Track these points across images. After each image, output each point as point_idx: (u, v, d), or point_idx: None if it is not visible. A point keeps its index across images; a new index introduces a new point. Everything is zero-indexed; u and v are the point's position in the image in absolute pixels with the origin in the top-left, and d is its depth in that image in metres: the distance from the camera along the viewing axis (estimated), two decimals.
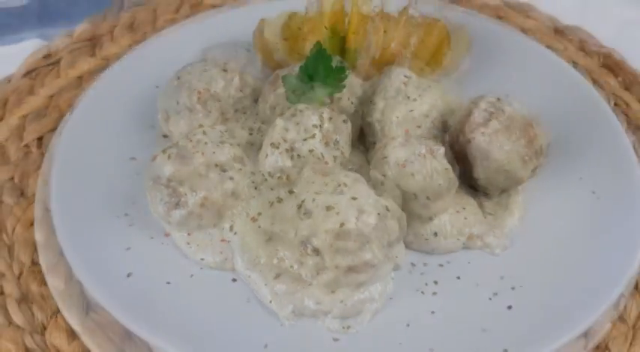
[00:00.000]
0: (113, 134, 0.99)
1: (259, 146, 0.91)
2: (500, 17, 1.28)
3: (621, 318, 0.85)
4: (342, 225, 0.77)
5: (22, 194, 0.97)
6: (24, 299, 0.85)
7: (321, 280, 0.80)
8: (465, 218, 0.88)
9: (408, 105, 0.91)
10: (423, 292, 0.83)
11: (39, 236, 0.89)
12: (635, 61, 1.20)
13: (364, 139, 0.97)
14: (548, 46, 1.18)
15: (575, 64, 1.18)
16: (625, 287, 0.82)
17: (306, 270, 0.81)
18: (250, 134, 0.96)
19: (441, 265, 0.86)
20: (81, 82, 1.13)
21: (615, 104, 1.12)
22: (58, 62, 1.16)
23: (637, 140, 1.05)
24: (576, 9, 1.34)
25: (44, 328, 0.83)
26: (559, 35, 1.26)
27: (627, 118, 1.10)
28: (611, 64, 1.19)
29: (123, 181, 0.93)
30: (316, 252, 0.78)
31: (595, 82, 1.16)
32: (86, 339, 0.79)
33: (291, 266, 0.82)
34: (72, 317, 0.80)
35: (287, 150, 0.86)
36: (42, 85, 1.12)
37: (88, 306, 0.81)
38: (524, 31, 1.24)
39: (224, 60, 0.99)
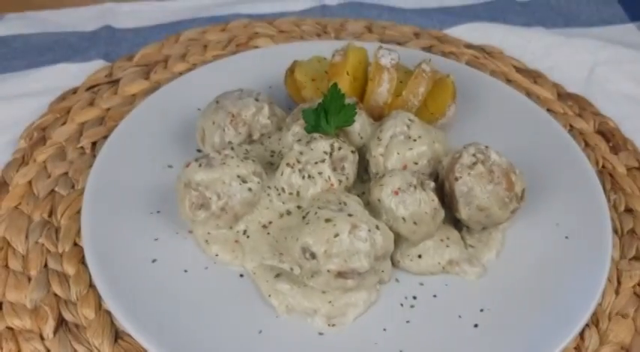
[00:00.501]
0: (155, 144, 1.15)
1: (277, 166, 1.06)
2: (509, 81, 1.42)
3: (578, 349, 0.95)
4: (336, 235, 0.90)
5: (73, 187, 1.13)
6: (64, 275, 1.00)
7: (314, 282, 0.93)
8: (447, 246, 1.00)
9: (409, 144, 1.05)
10: (402, 304, 0.95)
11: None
12: (627, 130, 1.32)
13: (367, 173, 1.11)
14: (549, 110, 1.33)
15: (571, 127, 1.31)
16: (586, 320, 0.92)
17: (302, 272, 0.94)
18: (271, 156, 1.11)
19: (421, 283, 0.98)
20: (134, 99, 1.31)
21: (603, 166, 1.24)
22: (117, 81, 1.35)
23: (618, 198, 1.17)
24: (582, 80, 1.47)
25: (77, 299, 0.97)
26: (561, 100, 1.39)
27: (612, 179, 1.21)
28: (605, 131, 1.32)
29: (159, 184, 1.09)
30: (313, 256, 0.91)
31: (587, 144, 1.28)
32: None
33: (291, 269, 0.96)
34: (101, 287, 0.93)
35: (300, 170, 1.01)
36: (101, 99, 1.30)
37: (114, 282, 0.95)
38: (529, 94, 1.38)
39: (235, 109, 1.09)
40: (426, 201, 0.97)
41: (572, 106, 1.38)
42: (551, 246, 1.02)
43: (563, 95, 1.41)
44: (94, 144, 1.21)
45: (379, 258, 0.94)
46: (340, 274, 0.91)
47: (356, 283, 0.92)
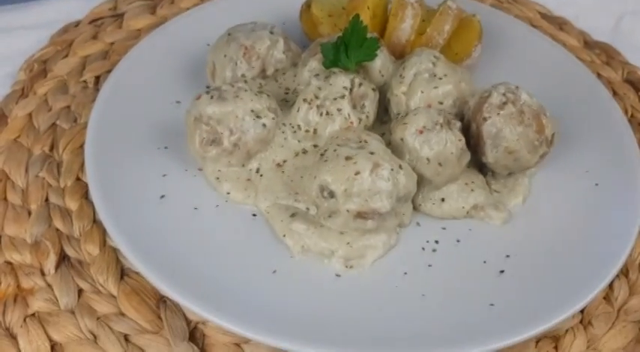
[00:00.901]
0: (161, 79, 1.09)
1: (293, 104, 0.99)
2: (533, 27, 1.35)
3: (607, 298, 0.91)
4: (357, 173, 0.85)
5: (76, 121, 1.07)
6: (66, 210, 0.95)
7: (332, 222, 0.88)
8: (472, 190, 0.95)
9: (434, 82, 0.99)
10: (423, 248, 0.90)
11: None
12: None
13: (387, 114, 1.04)
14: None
15: (598, 76, 1.25)
16: (617, 270, 0.88)
17: (319, 212, 0.89)
18: (286, 93, 1.05)
19: (443, 228, 0.93)
20: (139, 34, 1.24)
21: (632, 116, 1.19)
22: (121, 15, 1.27)
23: None
24: (608, 29, 1.40)
25: (80, 235, 0.92)
26: (587, 48, 1.33)
27: None
28: (633, 80, 1.26)
29: (166, 119, 1.03)
30: (331, 195, 0.86)
31: (615, 93, 1.22)
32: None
33: (307, 209, 0.91)
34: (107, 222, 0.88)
35: (318, 107, 0.95)
36: (105, 33, 1.23)
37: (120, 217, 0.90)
38: (555, 41, 1.31)
39: (249, 41, 1.02)
40: (453, 141, 0.91)
41: (599, 55, 1.32)
42: (581, 193, 0.97)
43: (589, 43, 1.35)
44: (97, 78, 1.15)
45: (401, 199, 0.89)
46: (360, 214, 0.86)
47: (376, 224, 0.87)
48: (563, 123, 1.01)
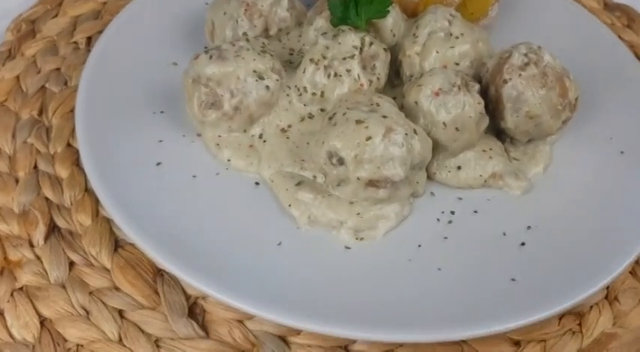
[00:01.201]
0: (157, 40, 1.02)
1: (298, 65, 0.93)
2: None
3: (634, 273, 0.85)
4: (368, 138, 0.78)
5: (66, 84, 1.00)
6: (56, 178, 0.89)
7: (341, 191, 0.82)
8: (491, 157, 0.89)
9: (450, 42, 0.92)
10: (438, 219, 0.85)
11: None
12: None
13: (399, 77, 0.98)
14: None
15: (620, 38, 1.17)
16: None
17: (327, 180, 0.83)
18: (290, 54, 0.98)
19: (460, 198, 0.87)
20: None
21: None
22: None
23: None
24: None
25: (71, 204, 0.86)
26: (608, 11, 1.25)
27: None
28: None
29: (163, 82, 0.96)
30: (340, 161, 0.80)
31: (638, 57, 1.15)
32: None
33: (314, 177, 0.85)
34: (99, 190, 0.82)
35: (325, 67, 0.88)
36: None
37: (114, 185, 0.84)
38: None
39: None
40: (471, 103, 0.85)
41: (619, 17, 1.25)
42: (605, 161, 0.91)
43: (610, 5, 1.27)
44: (88, 39, 1.09)
45: (415, 166, 0.83)
46: (371, 183, 0.80)
47: (388, 193, 0.81)
48: (585, 88, 0.94)
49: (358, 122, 0.80)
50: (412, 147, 0.81)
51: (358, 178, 0.79)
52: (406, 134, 0.80)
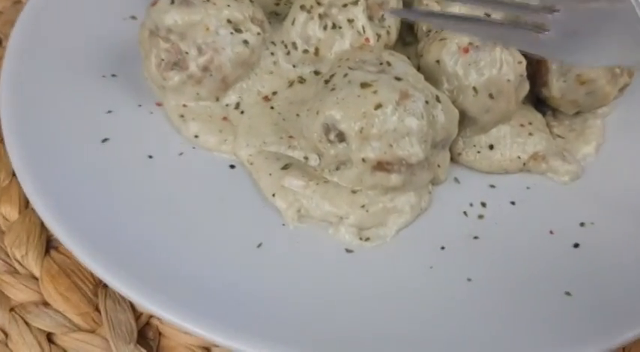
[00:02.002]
0: None
1: (286, 16, 0.74)
2: None
3: None
4: (377, 107, 0.60)
5: (1, 43, 0.83)
6: None
7: (341, 176, 0.64)
8: (531, 134, 0.71)
9: None
10: (466, 213, 0.67)
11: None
12: None
13: (412, 34, 0.79)
14: None
15: None
16: None
17: (324, 163, 0.64)
18: (276, 4, 0.81)
19: (492, 186, 0.70)
20: None
21: None
22: None
23: None
24: None
25: None
26: None
27: None
28: None
29: (117, 40, 0.78)
30: (341, 137, 0.61)
31: None
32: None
33: (305, 158, 0.66)
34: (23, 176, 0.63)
35: (320, 16, 0.70)
36: None
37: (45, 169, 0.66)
38: None
39: None
40: (510, 62, 0.67)
41: None
42: None
43: None
44: None
45: (437, 144, 0.64)
46: (380, 165, 0.62)
47: (402, 179, 0.63)
48: None
49: (364, 86, 0.62)
50: (434, 120, 0.63)
51: (363, 159, 0.61)
52: (426, 102, 0.62)
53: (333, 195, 0.64)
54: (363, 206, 0.63)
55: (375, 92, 0.61)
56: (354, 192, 0.64)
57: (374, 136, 0.60)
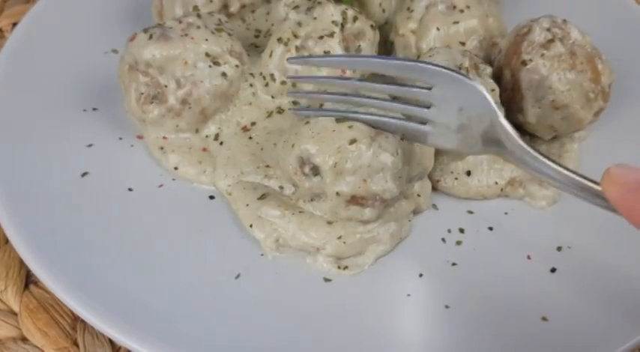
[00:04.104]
0: (94, 23, 0.85)
1: (265, 49, 0.75)
2: None
3: None
4: (352, 141, 0.61)
5: None
6: None
7: (316, 207, 0.64)
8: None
9: (453, 16, 0.74)
10: (444, 239, 0.67)
11: None
12: None
13: None
14: None
15: None
16: None
17: (298, 193, 0.65)
18: (256, 36, 0.81)
19: (470, 212, 0.70)
20: None
21: None
22: None
23: None
24: None
25: None
26: None
27: None
28: None
29: (98, 74, 0.79)
30: (315, 171, 0.62)
31: None
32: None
33: (280, 188, 0.66)
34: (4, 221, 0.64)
35: (297, 48, 0.71)
36: None
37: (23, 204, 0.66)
38: None
39: None
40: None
41: None
42: None
43: None
44: (15, 25, 0.89)
45: (413, 178, 0.65)
46: (354, 200, 0.62)
47: (376, 213, 0.63)
48: (617, 73, 0.77)
49: (339, 120, 0.62)
50: (410, 154, 0.63)
51: (337, 193, 0.62)
52: (401, 138, 0.62)
53: (309, 225, 0.64)
54: (339, 237, 0.63)
55: (350, 127, 0.62)
56: (329, 222, 0.64)
57: (348, 171, 0.61)
